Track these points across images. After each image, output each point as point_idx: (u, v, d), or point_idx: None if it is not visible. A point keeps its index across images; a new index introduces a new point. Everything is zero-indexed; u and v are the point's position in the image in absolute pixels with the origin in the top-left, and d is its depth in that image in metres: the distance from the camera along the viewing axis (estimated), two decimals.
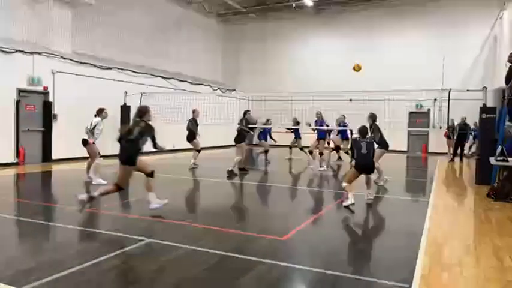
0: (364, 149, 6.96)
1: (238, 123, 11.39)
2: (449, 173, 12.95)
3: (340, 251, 4.86)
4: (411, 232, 5.53)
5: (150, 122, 6.25)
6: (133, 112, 15.74)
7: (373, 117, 9.32)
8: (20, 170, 10.97)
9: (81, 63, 13.73)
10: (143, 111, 6.30)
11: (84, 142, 8.93)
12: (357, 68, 11.13)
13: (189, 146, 12.90)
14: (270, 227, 5.74)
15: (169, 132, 16.25)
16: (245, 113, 11.57)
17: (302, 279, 3.88)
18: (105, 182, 8.26)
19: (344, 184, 6.98)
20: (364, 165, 6.96)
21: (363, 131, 7.28)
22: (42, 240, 5.05)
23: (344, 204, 6.75)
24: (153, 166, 6.79)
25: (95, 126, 8.86)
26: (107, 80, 14.57)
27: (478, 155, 10.01)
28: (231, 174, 10.40)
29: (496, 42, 17.52)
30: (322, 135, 12.69)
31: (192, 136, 12.42)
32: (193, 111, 12.72)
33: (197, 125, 12.55)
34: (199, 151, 12.39)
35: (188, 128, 12.44)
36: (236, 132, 11.13)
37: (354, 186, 6.94)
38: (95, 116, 9.02)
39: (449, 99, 11.26)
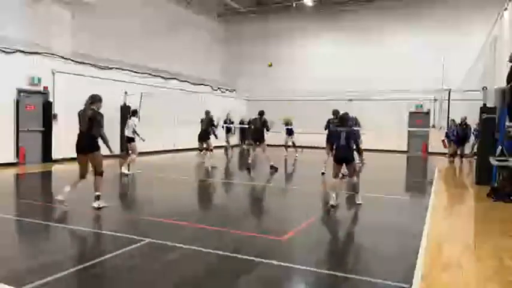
0: (343, 140, 6.88)
1: (250, 123, 11.89)
2: (449, 173, 12.95)
3: (340, 251, 4.86)
4: (411, 232, 5.53)
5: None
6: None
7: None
8: (20, 170, 10.97)
9: (81, 63, 13.73)
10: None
11: (131, 140, 10.55)
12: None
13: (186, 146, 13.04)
14: (270, 227, 5.74)
15: (170, 132, 16.32)
16: (262, 113, 12.01)
17: (302, 279, 3.88)
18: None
19: (332, 180, 7.02)
20: (341, 156, 6.91)
21: (341, 116, 7.21)
22: (42, 240, 5.05)
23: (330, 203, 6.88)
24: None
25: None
26: (107, 80, 14.57)
27: (472, 155, 10.02)
28: (273, 168, 11.30)
29: (496, 42, 17.52)
30: None
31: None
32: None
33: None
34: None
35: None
36: (254, 131, 11.90)
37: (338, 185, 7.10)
38: (133, 116, 10.70)
39: (449, 99, 11.27)
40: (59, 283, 3.56)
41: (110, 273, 3.80)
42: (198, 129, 13.22)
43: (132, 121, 10.57)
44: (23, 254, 4.42)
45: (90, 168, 6.42)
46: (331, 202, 6.86)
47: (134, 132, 10.51)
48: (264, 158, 11.66)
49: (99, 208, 6.19)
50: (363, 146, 14.41)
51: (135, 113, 10.82)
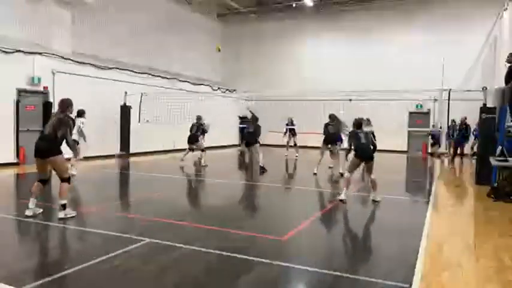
0: (363, 139, 7.52)
1: (245, 123, 12.05)
2: (449, 173, 12.95)
3: (340, 251, 4.86)
4: (411, 232, 5.53)
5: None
6: (133, 112, 15.85)
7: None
8: (20, 170, 10.98)
9: (81, 63, 13.73)
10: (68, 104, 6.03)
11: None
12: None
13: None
14: (270, 227, 5.74)
15: (170, 132, 16.32)
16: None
17: (302, 279, 3.88)
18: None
19: (347, 174, 7.56)
20: (365, 152, 7.49)
21: (358, 123, 7.82)
22: (42, 240, 5.05)
23: (339, 198, 7.36)
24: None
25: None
26: (107, 80, 14.58)
27: (472, 155, 10.03)
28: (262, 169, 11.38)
29: (496, 42, 17.51)
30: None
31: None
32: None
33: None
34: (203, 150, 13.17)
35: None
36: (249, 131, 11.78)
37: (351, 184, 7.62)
38: (81, 116, 9.82)
39: (449, 99, 11.26)
40: (58, 283, 3.56)
41: (110, 273, 3.80)
42: None
43: (79, 122, 9.70)
44: (23, 254, 4.42)
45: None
46: (342, 197, 7.29)
47: (81, 132, 9.67)
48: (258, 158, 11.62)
49: (65, 218, 5.64)
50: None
51: (82, 113, 9.97)
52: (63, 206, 5.73)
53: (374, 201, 7.43)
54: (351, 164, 7.68)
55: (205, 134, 14.30)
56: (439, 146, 12.97)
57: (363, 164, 7.60)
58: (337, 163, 11.44)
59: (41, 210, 5.92)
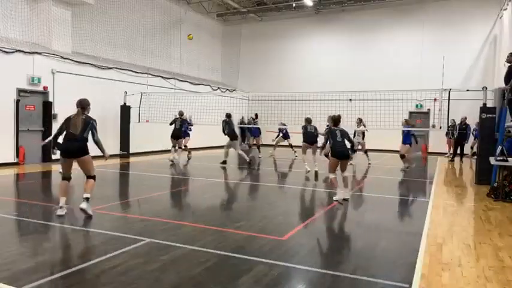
0: (339, 137, 7.47)
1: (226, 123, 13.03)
2: (449, 173, 12.95)
3: (340, 251, 4.86)
4: (411, 232, 5.53)
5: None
6: (133, 112, 15.85)
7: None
8: (20, 170, 10.98)
9: (81, 63, 13.73)
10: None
11: None
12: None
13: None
14: (270, 227, 5.74)
15: (170, 132, 16.29)
16: (229, 115, 13.24)
17: (302, 279, 3.88)
18: None
19: (330, 175, 7.52)
20: (341, 152, 7.43)
21: (335, 120, 7.78)
22: (42, 240, 5.05)
23: (335, 198, 7.32)
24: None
25: None
26: (107, 80, 14.58)
27: (472, 155, 10.03)
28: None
29: (496, 42, 17.52)
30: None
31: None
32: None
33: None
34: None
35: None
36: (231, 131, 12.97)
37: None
38: None
39: (449, 99, 11.26)
40: (58, 283, 3.56)
41: (110, 274, 3.79)
42: (197, 128, 13.26)
43: None
44: (23, 254, 4.42)
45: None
46: (338, 197, 7.28)
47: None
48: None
49: (87, 211, 5.76)
50: (366, 146, 14.53)
51: None
52: (87, 199, 5.86)
53: (344, 199, 7.35)
54: (330, 165, 7.63)
55: (192, 129, 14.56)
56: (410, 146, 13.08)
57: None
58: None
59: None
